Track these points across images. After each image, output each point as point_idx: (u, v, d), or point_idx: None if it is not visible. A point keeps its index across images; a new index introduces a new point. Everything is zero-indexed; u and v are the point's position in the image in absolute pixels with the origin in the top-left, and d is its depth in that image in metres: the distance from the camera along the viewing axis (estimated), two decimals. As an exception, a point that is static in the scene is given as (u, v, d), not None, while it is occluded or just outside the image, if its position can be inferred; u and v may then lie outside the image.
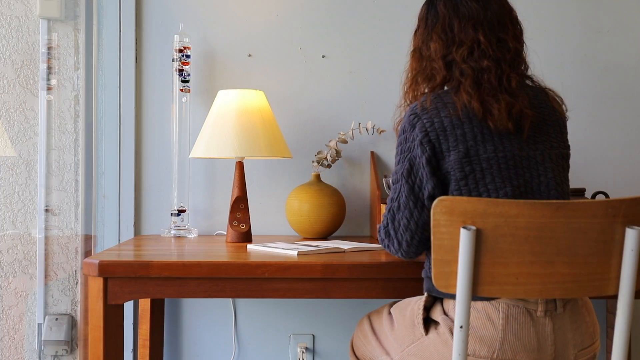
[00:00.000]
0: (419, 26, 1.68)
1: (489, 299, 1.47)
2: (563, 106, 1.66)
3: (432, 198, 1.52)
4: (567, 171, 1.63)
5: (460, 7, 1.60)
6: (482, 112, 1.52)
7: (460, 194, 1.51)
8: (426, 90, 1.63)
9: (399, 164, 1.59)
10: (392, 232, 1.62)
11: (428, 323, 1.57)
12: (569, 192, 1.63)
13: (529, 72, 1.67)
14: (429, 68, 1.62)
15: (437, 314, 1.55)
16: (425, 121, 1.54)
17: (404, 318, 1.62)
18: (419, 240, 1.59)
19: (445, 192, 1.55)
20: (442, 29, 1.60)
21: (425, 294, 1.57)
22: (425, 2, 1.69)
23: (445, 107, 1.55)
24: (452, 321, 1.51)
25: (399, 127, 1.62)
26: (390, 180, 1.64)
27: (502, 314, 1.46)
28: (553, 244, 1.34)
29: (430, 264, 1.57)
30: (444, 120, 1.53)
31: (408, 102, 1.67)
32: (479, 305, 1.48)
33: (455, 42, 1.59)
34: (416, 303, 1.61)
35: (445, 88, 1.63)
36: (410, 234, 1.58)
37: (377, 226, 1.71)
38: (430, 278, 1.56)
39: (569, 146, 1.65)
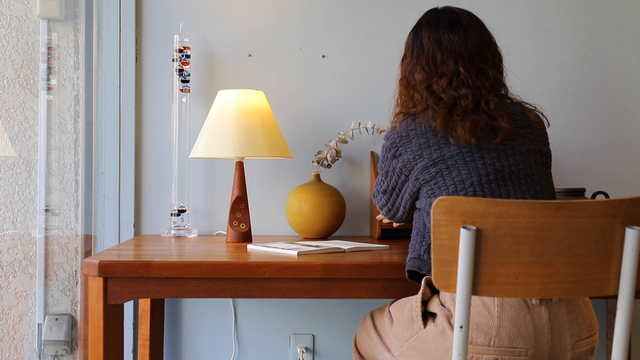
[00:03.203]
0: (405, 55, 1.80)
1: None
2: (539, 115, 1.75)
3: (408, 206, 1.73)
4: (544, 165, 1.70)
5: (442, 40, 1.72)
6: (444, 128, 1.63)
7: (430, 196, 1.62)
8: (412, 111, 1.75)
9: (382, 162, 1.76)
10: (377, 198, 1.84)
11: (426, 317, 1.59)
12: (547, 184, 1.68)
13: (509, 94, 1.77)
14: (416, 97, 1.73)
15: (434, 306, 1.57)
16: (396, 137, 1.70)
17: (403, 314, 1.65)
18: (395, 213, 1.80)
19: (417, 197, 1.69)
20: (426, 62, 1.73)
21: (422, 287, 1.58)
22: (412, 30, 1.80)
23: (413, 121, 1.69)
24: (449, 311, 1.53)
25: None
26: (378, 166, 1.81)
27: (497, 301, 1.49)
28: (553, 244, 1.34)
29: (417, 245, 1.66)
30: (410, 132, 1.67)
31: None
32: None
33: (437, 74, 1.71)
34: (414, 298, 1.63)
35: None
36: (387, 208, 1.80)
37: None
38: (416, 259, 1.64)
39: (546, 145, 1.73)
